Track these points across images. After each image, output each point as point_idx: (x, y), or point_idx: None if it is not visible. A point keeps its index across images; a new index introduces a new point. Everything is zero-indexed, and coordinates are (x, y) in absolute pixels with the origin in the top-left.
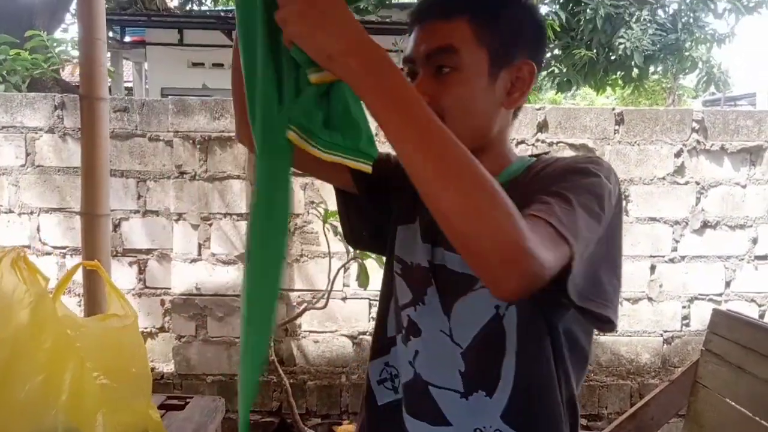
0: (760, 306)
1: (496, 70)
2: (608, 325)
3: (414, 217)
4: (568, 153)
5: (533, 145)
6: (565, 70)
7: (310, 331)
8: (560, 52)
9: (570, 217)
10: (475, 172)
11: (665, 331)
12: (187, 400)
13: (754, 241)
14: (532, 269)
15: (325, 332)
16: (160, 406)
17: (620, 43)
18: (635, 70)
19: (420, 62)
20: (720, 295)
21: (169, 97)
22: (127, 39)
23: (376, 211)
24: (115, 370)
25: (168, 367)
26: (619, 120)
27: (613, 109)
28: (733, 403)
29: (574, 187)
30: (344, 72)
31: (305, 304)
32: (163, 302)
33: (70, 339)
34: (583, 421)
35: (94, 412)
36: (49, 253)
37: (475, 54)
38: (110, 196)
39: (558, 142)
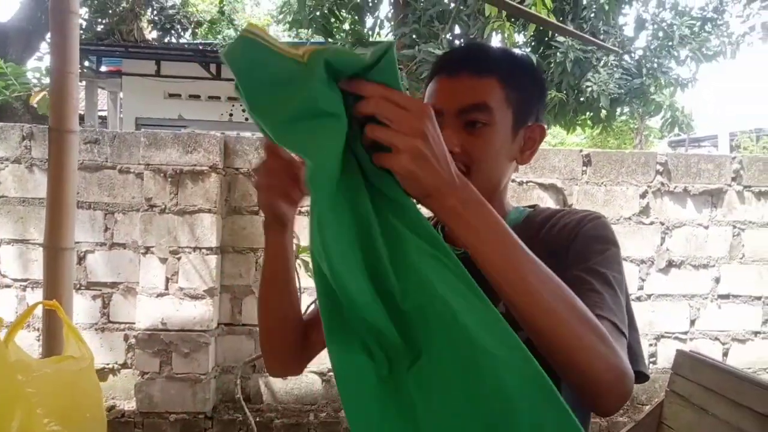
0: (723, 344)
1: (516, 129)
2: (642, 378)
3: None
4: (538, 193)
5: None
6: None
7: None
8: None
9: (618, 304)
10: (577, 305)
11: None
12: None
13: (717, 280)
14: (630, 387)
15: None
16: None
17: (587, 86)
18: (603, 112)
19: (450, 114)
20: (685, 333)
21: (142, 129)
22: (104, 68)
23: None
24: (69, 416)
25: (129, 405)
26: (587, 161)
27: (581, 150)
28: None
29: (605, 262)
30: (441, 209)
31: None
32: (126, 337)
33: (20, 385)
34: None
35: None
36: (8, 286)
37: (504, 112)
38: (76, 228)
39: (528, 182)
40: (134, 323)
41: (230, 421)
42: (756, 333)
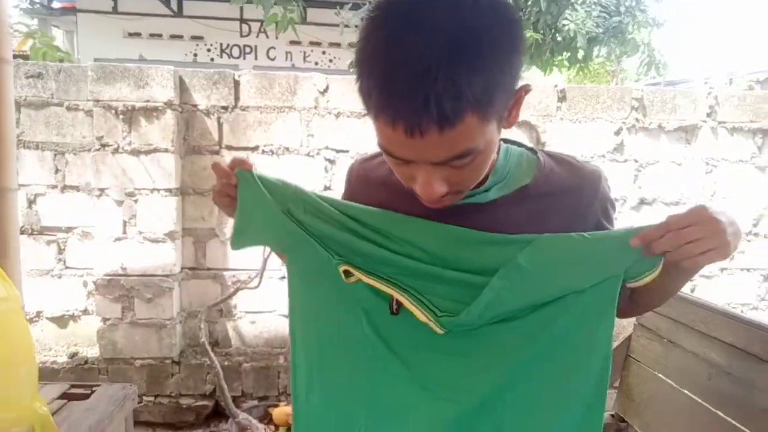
0: (691, 281)
1: (502, 119)
2: None
3: None
4: (512, 130)
5: None
6: None
7: (247, 312)
8: None
9: None
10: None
11: None
12: (94, 388)
13: None
14: None
15: (262, 312)
16: (62, 396)
17: (565, 25)
18: (581, 52)
19: (426, 162)
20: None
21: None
22: (56, 5)
23: None
24: None
25: (93, 352)
26: (562, 97)
27: (556, 86)
28: (662, 376)
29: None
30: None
31: (239, 284)
32: (85, 284)
33: None
34: None
35: None
36: None
37: (488, 132)
38: (24, 170)
39: None
40: (92, 268)
41: (198, 366)
42: (723, 269)
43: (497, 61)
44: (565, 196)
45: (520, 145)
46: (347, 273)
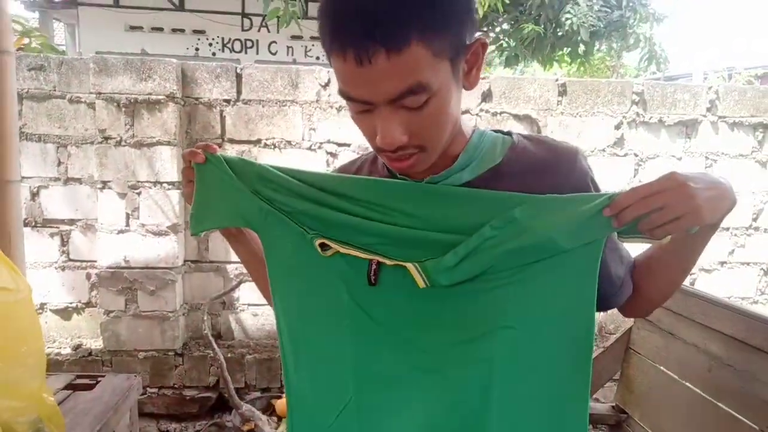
0: (691, 274)
1: (457, 68)
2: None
3: None
4: (512, 124)
5: (477, 114)
6: (513, 45)
7: (249, 304)
8: (509, 27)
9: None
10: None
11: None
12: (99, 378)
13: None
14: None
15: (265, 305)
16: (67, 386)
17: (567, 19)
18: (581, 47)
19: (380, 103)
20: None
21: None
22: None
23: None
24: (3, 350)
25: (96, 344)
26: (562, 91)
27: (557, 79)
28: (662, 368)
29: None
30: (710, 235)
31: (241, 277)
32: (89, 276)
33: None
34: None
35: None
36: None
37: (440, 72)
38: (27, 162)
39: (502, 112)
40: (95, 261)
41: (201, 358)
42: (722, 263)
43: (444, 6)
44: (539, 174)
45: (499, 132)
46: (323, 246)
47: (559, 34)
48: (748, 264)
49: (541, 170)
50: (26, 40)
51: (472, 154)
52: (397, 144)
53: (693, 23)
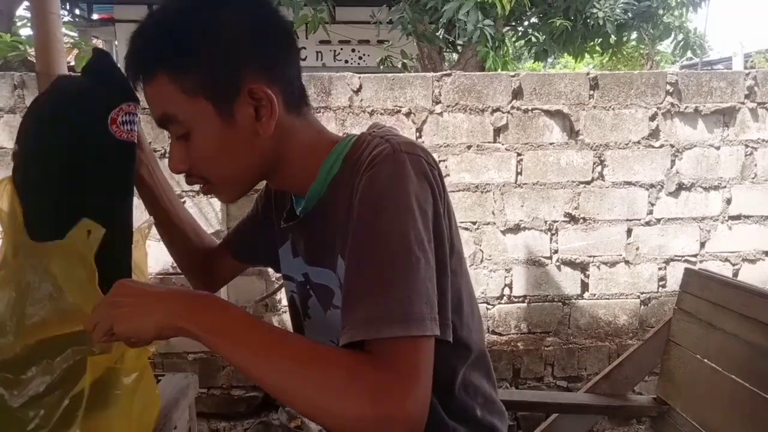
0: (734, 265)
1: (227, 110)
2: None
3: (287, 236)
4: (544, 120)
5: (508, 112)
6: (542, 39)
7: None
8: (537, 21)
9: (385, 294)
10: (308, 374)
11: (642, 293)
12: (159, 378)
13: (728, 201)
14: (410, 418)
15: None
16: None
17: (593, 12)
18: (612, 38)
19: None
20: (695, 255)
21: None
22: (95, 17)
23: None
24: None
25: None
26: (594, 85)
27: (588, 73)
28: (703, 359)
29: (377, 239)
30: (178, 333)
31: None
32: None
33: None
34: (563, 383)
35: None
36: None
37: (194, 108)
38: None
39: (533, 109)
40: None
41: None
42: (767, 253)
43: (195, 35)
44: (343, 198)
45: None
46: None
47: (590, 24)
48: None
49: (344, 192)
50: (75, 51)
51: (317, 184)
52: (177, 170)
53: (736, 3)
